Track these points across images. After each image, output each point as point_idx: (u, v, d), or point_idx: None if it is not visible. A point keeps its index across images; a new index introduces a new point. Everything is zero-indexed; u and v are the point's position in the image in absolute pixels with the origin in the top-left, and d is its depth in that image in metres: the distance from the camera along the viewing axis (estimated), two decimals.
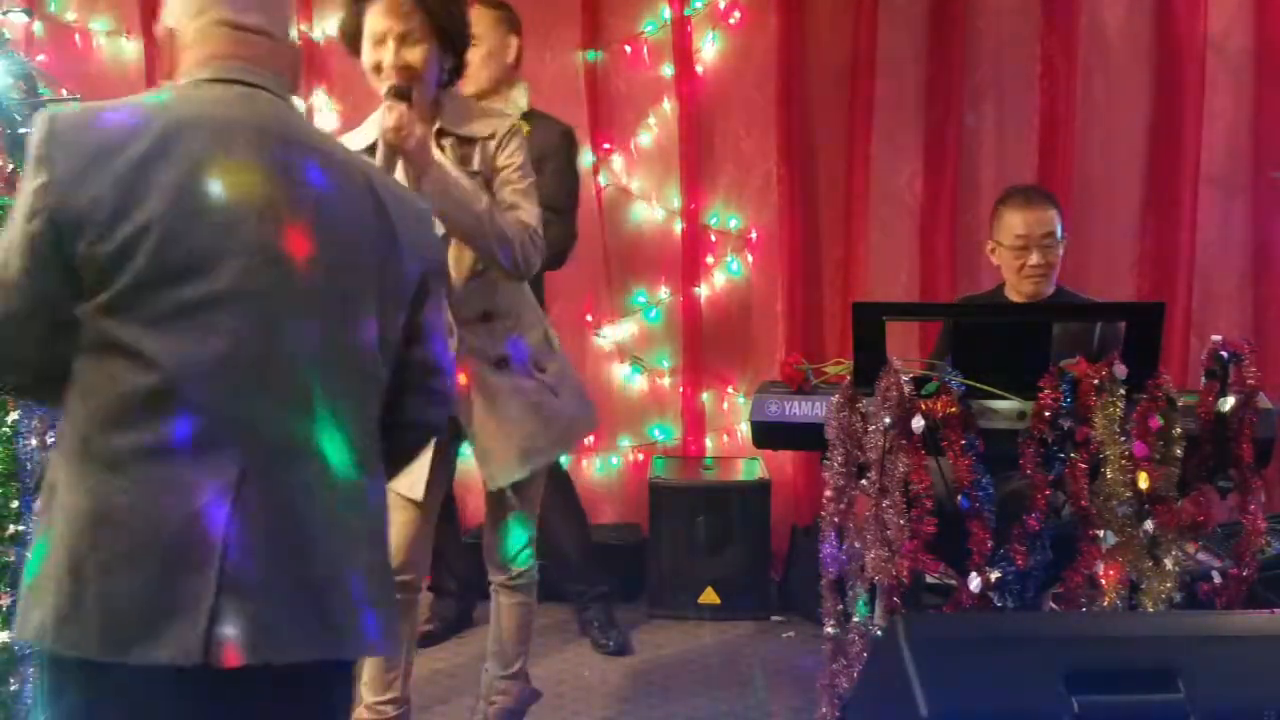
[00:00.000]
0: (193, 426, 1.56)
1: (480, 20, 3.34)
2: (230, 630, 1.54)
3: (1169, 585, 2.54)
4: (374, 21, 2.52)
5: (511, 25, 3.66)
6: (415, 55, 2.52)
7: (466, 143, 2.64)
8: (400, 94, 2.46)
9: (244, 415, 1.60)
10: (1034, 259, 3.24)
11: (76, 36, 4.41)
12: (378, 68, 2.54)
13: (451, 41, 2.59)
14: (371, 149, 2.49)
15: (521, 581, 2.91)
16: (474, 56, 3.05)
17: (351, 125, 4.33)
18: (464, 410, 2.67)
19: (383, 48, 2.52)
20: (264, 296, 1.61)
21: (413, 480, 2.71)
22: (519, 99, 3.61)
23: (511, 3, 4.37)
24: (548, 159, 3.48)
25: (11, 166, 2.81)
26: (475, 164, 2.63)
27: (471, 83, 3.33)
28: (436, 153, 2.53)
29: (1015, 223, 3.27)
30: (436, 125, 2.63)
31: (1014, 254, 3.27)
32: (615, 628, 3.93)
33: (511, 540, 2.87)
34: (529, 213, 2.63)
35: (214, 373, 1.58)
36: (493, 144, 2.64)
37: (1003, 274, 3.36)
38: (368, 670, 2.81)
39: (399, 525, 2.74)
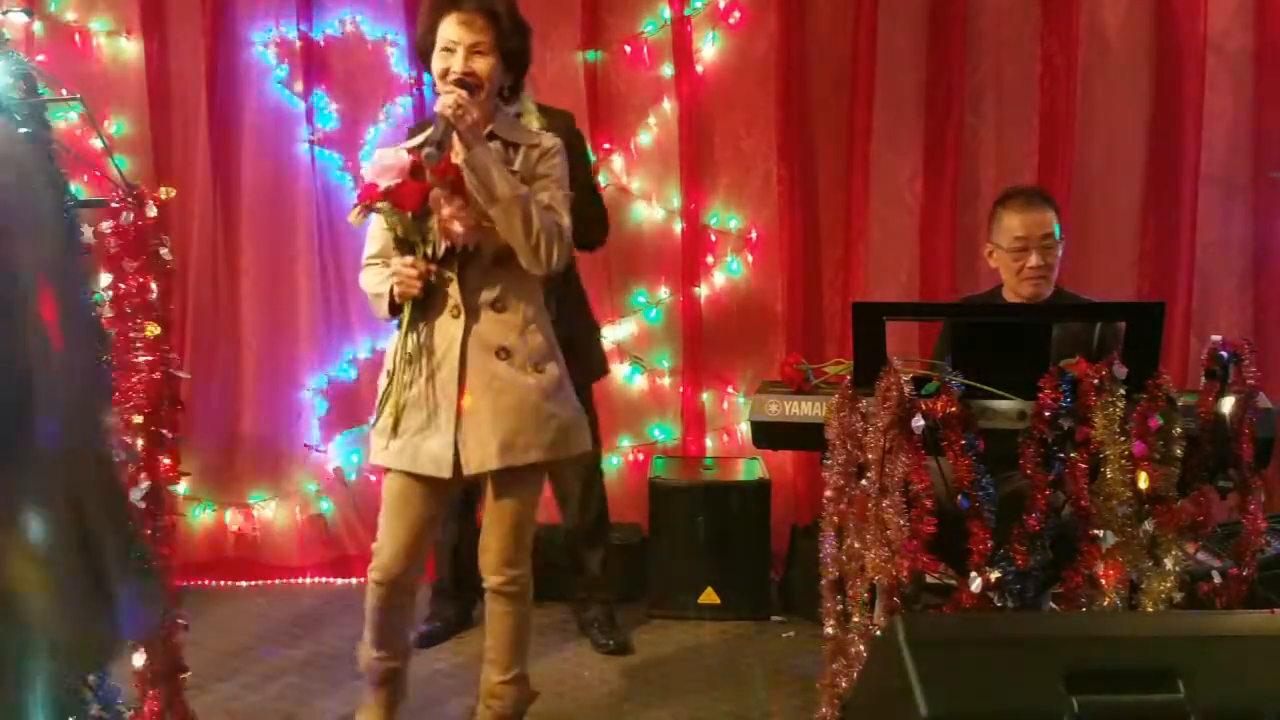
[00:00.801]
0: None
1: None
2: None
3: (1169, 585, 2.53)
4: (448, 31, 2.73)
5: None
6: (481, 65, 2.73)
7: (512, 147, 2.81)
8: (463, 84, 2.69)
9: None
10: (1033, 260, 3.24)
11: (76, 36, 4.41)
12: (445, 74, 2.73)
13: (513, 62, 2.81)
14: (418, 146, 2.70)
15: (513, 589, 2.91)
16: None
17: (351, 124, 4.41)
18: (455, 392, 2.73)
19: (452, 55, 2.73)
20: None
21: (437, 459, 2.76)
22: (526, 99, 3.66)
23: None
24: (573, 147, 3.58)
25: None
26: (516, 165, 2.78)
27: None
28: (489, 148, 2.71)
29: (1014, 224, 3.26)
30: (488, 129, 2.79)
31: (1013, 256, 3.27)
32: (616, 628, 3.94)
33: (502, 546, 2.87)
34: (562, 217, 2.77)
35: None
36: (536, 153, 2.82)
37: (1001, 276, 3.36)
38: (370, 634, 2.92)
39: (411, 519, 2.83)
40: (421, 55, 2.84)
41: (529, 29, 2.88)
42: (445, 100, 2.64)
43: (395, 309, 2.76)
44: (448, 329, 2.75)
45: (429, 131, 2.64)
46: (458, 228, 2.68)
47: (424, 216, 2.69)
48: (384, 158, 2.74)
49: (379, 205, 2.70)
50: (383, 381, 2.84)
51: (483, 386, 2.74)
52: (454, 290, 2.74)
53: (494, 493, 2.85)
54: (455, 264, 2.75)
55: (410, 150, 2.72)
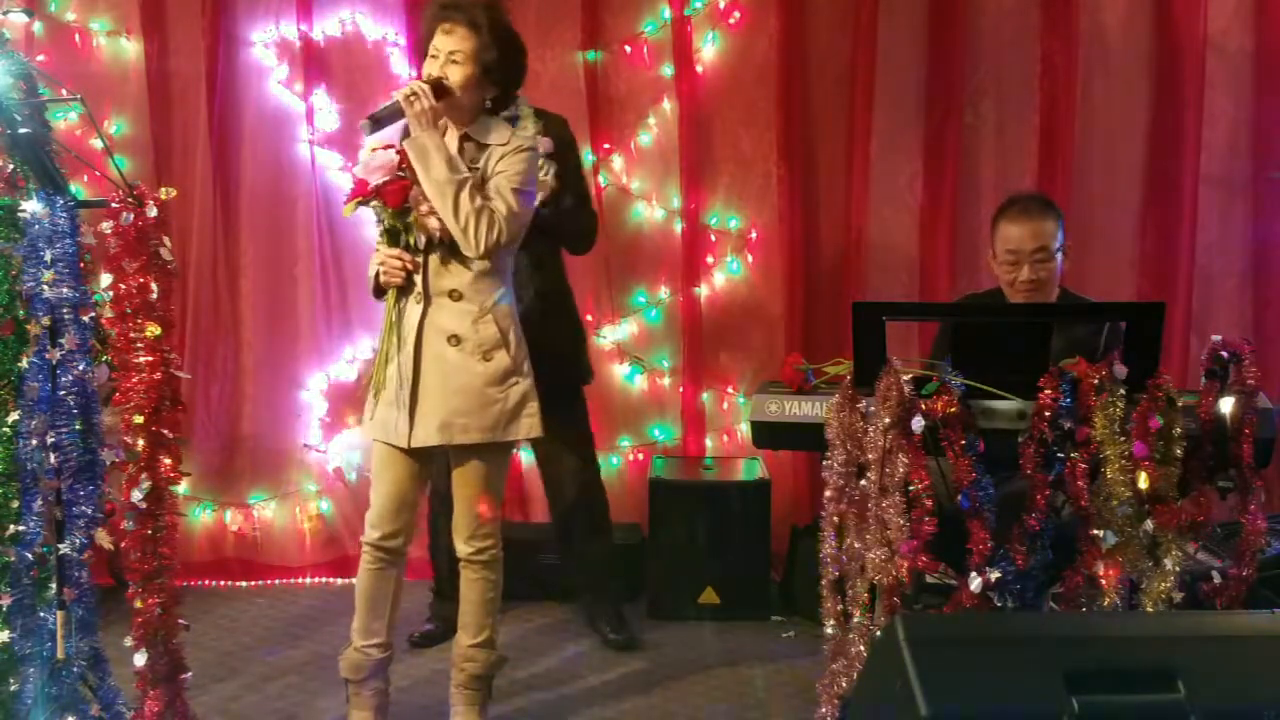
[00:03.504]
0: None
1: None
2: None
3: (1169, 585, 2.53)
4: (437, 41, 3.00)
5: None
6: (453, 71, 2.97)
7: (483, 148, 3.04)
8: (429, 82, 2.94)
9: None
10: (1024, 274, 3.22)
11: (76, 36, 4.41)
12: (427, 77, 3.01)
13: (494, 75, 3.02)
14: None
15: (482, 559, 3.12)
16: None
17: (351, 124, 4.41)
18: (408, 370, 2.98)
19: (434, 62, 3.00)
20: None
21: (400, 431, 3.00)
22: (523, 97, 3.69)
23: (512, 3, 4.40)
24: (567, 153, 3.74)
25: (11, 167, 2.81)
26: (480, 163, 3.00)
27: None
28: (436, 134, 2.92)
29: (1008, 236, 3.25)
30: (463, 131, 3.04)
31: (1006, 268, 3.26)
32: (624, 623, 3.94)
33: (466, 520, 3.10)
34: (499, 204, 2.95)
35: None
36: (500, 150, 3.01)
37: (1000, 285, 3.35)
38: (357, 619, 3.14)
39: (393, 483, 3.09)
40: (421, 60, 3.08)
41: (517, 47, 3.08)
42: (404, 88, 2.92)
43: (380, 293, 3.05)
44: (410, 313, 3.00)
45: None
46: (433, 222, 2.93)
47: (406, 211, 2.94)
48: (374, 156, 2.96)
49: (372, 202, 2.95)
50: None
51: (433, 369, 2.99)
52: (418, 278, 2.99)
53: (454, 470, 3.09)
54: (424, 254, 2.99)
55: (380, 147, 2.98)
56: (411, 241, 2.96)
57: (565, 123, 3.81)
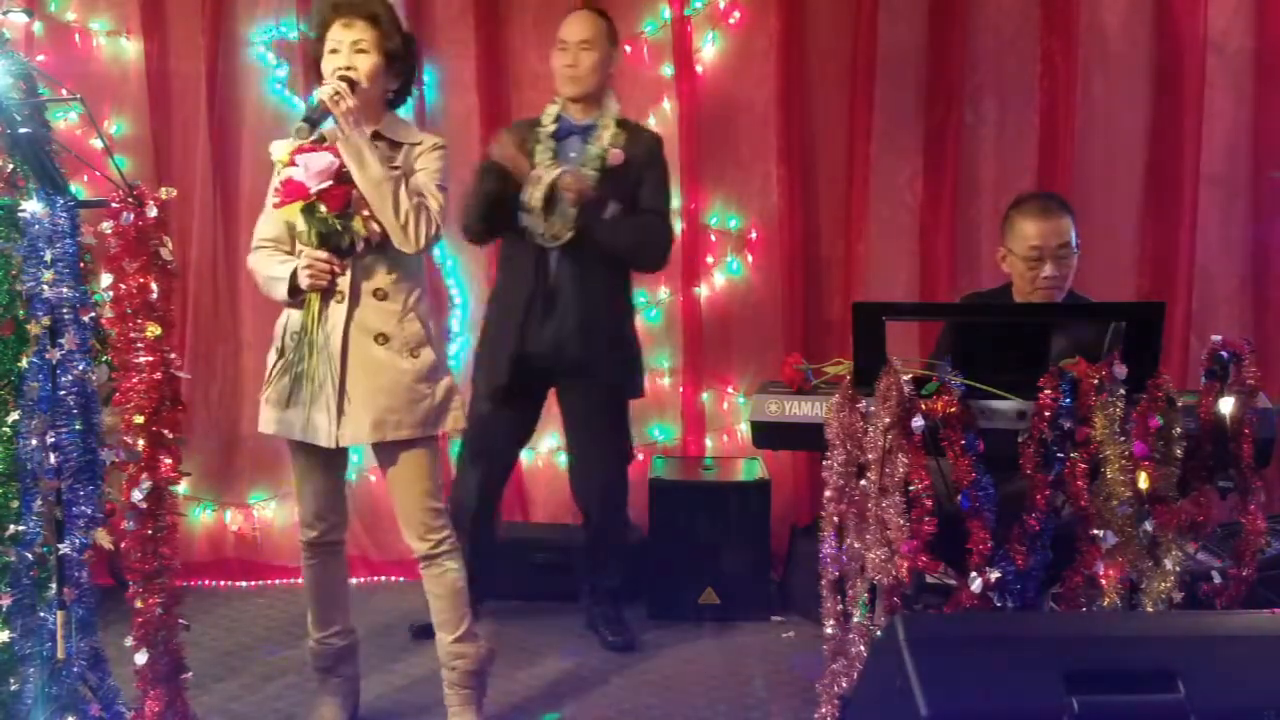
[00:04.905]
0: None
1: (593, 27, 3.74)
2: None
3: (1169, 585, 2.54)
4: (333, 34, 2.99)
5: (614, 38, 3.88)
6: (361, 61, 2.97)
7: (395, 146, 3.06)
8: (344, 78, 2.92)
9: None
10: (1048, 270, 3.21)
11: (76, 36, 4.40)
12: (332, 72, 2.97)
13: (397, 65, 3.05)
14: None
15: (443, 549, 3.13)
16: (586, 60, 3.71)
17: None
18: (336, 371, 2.98)
19: (338, 55, 2.98)
20: None
21: (323, 431, 3.01)
22: (612, 107, 3.83)
23: (512, 2, 4.40)
24: (649, 166, 3.80)
25: (11, 167, 2.81)
26: (398, 162, 3.03)
27: (579, 85, 3.74)
28: (366, 133, 2.93)
29: (1030, 233, 3.23)
30: (373, 129, 3.02)
31: (1028, 265, 3.23)
32: (624, 625, 3.94)
33: (416, 518, 3.10)
34: (430, 201, 2.99)
35: None
36: (417, 149, 3.05)
37: (1014, 282, 3.33)
38: (310, 615, 3.22)
39: (317, 482, 3.16)
40: (316, 62, 3.06)
41: (412, 37, 3.14)
42: (325, 88, 2.88)
43: (295, 293, 3.00)
44: (333, 313, 2.99)
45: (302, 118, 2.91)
46: (375, 226, 2.95)
47: (347, 215, 2.94)
48: (313, 159, 2.92)
49: (316, 207, 2.93)
50: (272, 356, 3.09)
51: (361, 368, 2.99)
52: (343, 280, 2.99)
53: (387, 469, 3.11)
54: (352, 255, 3.00)
55: (306, 146, 2.96)
56: (346, 244, 2.97)
57: (659, 140, 3.90)
